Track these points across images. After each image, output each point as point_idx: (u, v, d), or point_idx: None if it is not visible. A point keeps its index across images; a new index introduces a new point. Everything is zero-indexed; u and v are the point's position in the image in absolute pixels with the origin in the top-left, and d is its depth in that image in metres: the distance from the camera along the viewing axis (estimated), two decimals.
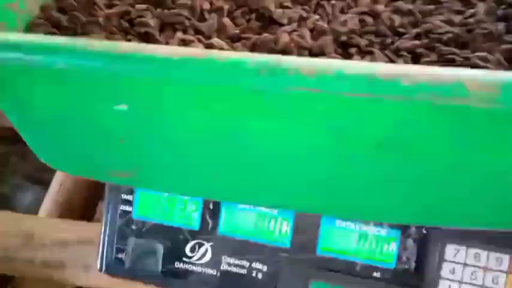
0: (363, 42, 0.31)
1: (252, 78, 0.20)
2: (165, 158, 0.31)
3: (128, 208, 0.46)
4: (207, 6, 0.35)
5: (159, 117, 0.26)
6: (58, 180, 0.63)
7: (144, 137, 0.29)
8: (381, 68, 0.19)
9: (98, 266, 0.48)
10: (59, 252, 0.54)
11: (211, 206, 0.45)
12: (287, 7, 0.35)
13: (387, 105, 0.20)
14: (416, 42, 0.30)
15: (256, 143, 0.26)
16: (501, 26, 0.31)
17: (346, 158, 0.27)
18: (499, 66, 0.26)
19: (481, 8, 0.33)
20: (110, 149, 0.31)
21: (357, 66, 0.19)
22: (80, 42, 0.22)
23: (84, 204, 0.64)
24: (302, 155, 0.26)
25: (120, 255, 0.47)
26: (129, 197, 0.46)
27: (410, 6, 0.34)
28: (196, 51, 0.21)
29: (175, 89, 0.23)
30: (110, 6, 0.35)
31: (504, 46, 0.28)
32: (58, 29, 0.32)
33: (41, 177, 0.87)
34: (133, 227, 0.46)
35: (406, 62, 0.28)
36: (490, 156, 0.22)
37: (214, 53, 0.22)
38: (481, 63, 0.26)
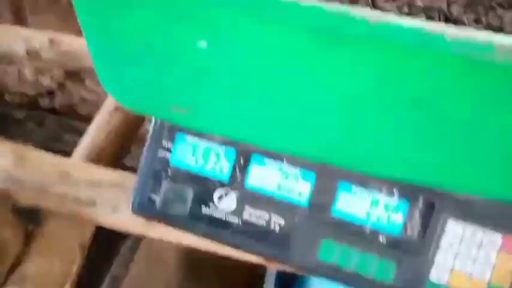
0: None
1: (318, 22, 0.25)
2: (223, 99, 0.36)
3: (166, 154, 0.51)
4: None
5: (232, 57, 0.32)
6: (95, 127, 0.68)
7: (212, 75, 0.34)
8: (429, 24, 0.24)
9: (131, 205, 0.53)
10: (91, 192, 0.59)
11: (241, 161, 0.50)
12: None
13: (432, 57, 0.25)
14: None
15: (313, 89, 0.31)
16: None
17: (386, 109, 0.32)
18: None
19: None
20: (179, 83, 0.36)
21: (410, 21, 0.25)
22: None
23: (113, 155, 0.69)
24: (348, 104, 0.31)
25: (153, 196, 0.52)
26: (169, 145, 0.51)
27: None
28: None
29: (253, 28, 0.29)
30: None
31: None
32: None
33: (54, 147, 0.92)
34: (169, 172, 0.51)
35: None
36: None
37: None
38: None
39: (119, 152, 0.69)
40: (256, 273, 0.69)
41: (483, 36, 0.24)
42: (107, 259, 0.84)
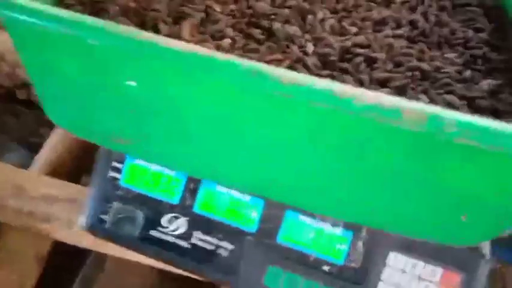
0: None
1: (241, 78, 0.26)
2: (158, 133, 0.36)
3: (116, 175, 0.51)
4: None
5: (161, 97, 0.32)
6: (50, 143, 0.67)
7: (146, 112, 0.34)
8: (340, 87, 0.25)
9: (82, 223, 0.53)
10: (46, 206, 0.59)
11: (191, 185, 0.50)
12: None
13: (342, 117, 0.25)
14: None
15: (241, 132, 0.31)
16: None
17: (310, 157, 0.32)
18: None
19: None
20: (116, 117, 0.36)
21: (324, 83, 0.25)
22: (110, 24, 0.28)
23: (72, 169, 0.68)
24: (274, 149, 0.32)
25: (102, 216, 0.52)
26: (119, 165, 0.51)
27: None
28: (200, 48, 0.27)
29: (180, 79, 0.29)
30: None
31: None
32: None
33: (30, 141, 0.91)
34: (119, 192, 0.51)
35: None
36: (422, 174, 0.28)
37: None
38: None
39: (78, 167, 0.69)
40: None
41: (390, 101, 0.24)
42: (75, 266, 0.84)
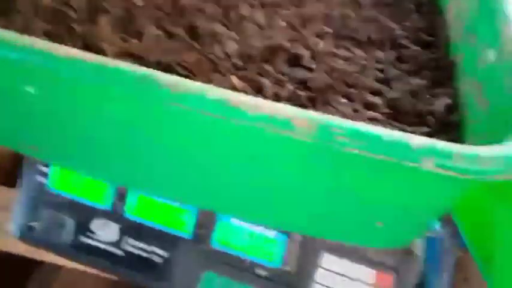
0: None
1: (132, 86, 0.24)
2: (58, 137, 0.34)
3: (43, 180, 0.49)
4: None
5: (59, 103, 0.30)
6: None
7: (46, 117, 0.32)
8: (234, 96, 0.23)
9: (12, 231, 0.51)
10: None
11: (123, 191, 0.48)
12: None
13: (239, 128, 0.24)
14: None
15: (140, 139, 0.30)
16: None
17: (224, 166, 0.31)
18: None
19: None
20: (22, 124, 0.34)
21: (217, 91, 0.24)
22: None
23: (6, 171, 0.66)
24: (187, 159, 0.31)
25: (32, 224, 0.50)
26: (45, 169, 0.49)
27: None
28: (87, 55, 0.25)
29: (73, 86, 0.27)
30: None
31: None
32: None
33: None
34: (47, 198, 0.49)
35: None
36: (322, 182, 0.27)
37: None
38: None
39: (12, 168, 0.66)
40: None
41: (285, 111, 0.23)
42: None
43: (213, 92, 0.24)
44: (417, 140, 0.22)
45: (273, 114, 0.23)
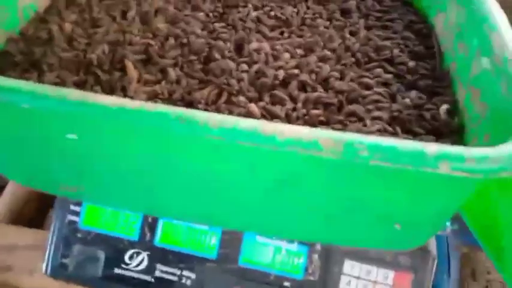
0: None
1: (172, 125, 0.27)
2: (103, 179, 0.37)
3: (75, 218, 0.52)
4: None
5: (101, 147, 0.33)
6: (11, 189, 0.67)
7: (89, 160, 0.35)
8: (264, 125, 0.26)
9: (44, 270, 0.53)
10: (6, 256, 0.59)
11: (149, 220, 0.51)
12: None
13: (272, 153, 0.27)
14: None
15: (181, 172, 0.33)
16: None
17: (255, 190, 0.34)
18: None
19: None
20: (60, 167, 0.37)
21: (249, 122, 0.27)
22: (42, 88, 0.29)
23: (35, 212, 0.68)
24: (221, 186, 0.34)
25: (64, 261, 0.52)
26: (77, 208, 0.52)
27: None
28: (129, 102, 0.28)
29: (117, 130, 0.30)
30: None
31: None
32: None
33: None
34: (79, 235, 0.52)
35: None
36: (346, 194, 0.30)
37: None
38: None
39: (40, 209, 0.68)
40: None
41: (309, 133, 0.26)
42: None
43: (244, 123, 0.27)
44: (432, 147, 0.25)
45: (301, 137, 0.26)
